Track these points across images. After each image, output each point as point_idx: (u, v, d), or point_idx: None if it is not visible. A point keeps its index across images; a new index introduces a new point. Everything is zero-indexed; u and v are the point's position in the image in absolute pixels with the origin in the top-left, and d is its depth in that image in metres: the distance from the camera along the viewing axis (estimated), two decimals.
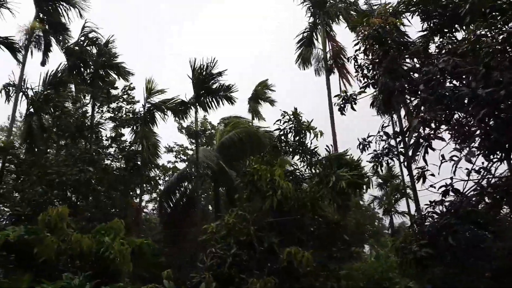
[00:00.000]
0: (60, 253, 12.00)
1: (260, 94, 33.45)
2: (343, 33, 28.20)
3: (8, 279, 11.80)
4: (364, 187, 15.35)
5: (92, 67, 25.14)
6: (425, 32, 12.30)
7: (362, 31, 12.10)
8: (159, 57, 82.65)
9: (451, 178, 9.62)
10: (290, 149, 16.44)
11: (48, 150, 24.09)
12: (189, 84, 24.36)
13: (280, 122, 16.44)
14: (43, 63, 24.99)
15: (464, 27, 11.30)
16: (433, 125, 9.62)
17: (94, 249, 12.34)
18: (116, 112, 25.08)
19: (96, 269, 12.04)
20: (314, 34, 28.56)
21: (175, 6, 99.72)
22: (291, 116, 16.37)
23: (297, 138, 16.29)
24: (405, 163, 12.29)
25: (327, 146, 16.25)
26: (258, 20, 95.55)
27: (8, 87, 22.57)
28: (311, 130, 16.15)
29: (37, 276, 11.36)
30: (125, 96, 25.70)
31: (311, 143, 16.14)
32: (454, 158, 8.64)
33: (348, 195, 15.00)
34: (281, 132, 16.44)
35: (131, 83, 25.76)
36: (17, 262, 12.41)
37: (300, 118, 16.32)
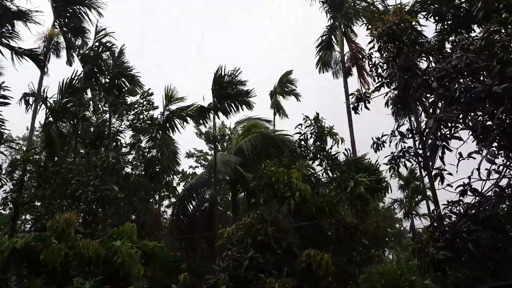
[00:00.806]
0: (69, 259, 12.03)
1: (283, 87, 33.04)
2: (362, 35, 27.97)
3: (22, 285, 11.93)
4: (383, 192, 15.18)
5: (108, 75, 25.44)
6: (440, 32, 12.07)
7: (376, 28, 11.91)
8: (175, 57, 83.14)
9: (469, 178, 9.37)
10: (311, 154, 16.30)
11: (69, 159, 24.27)
12: (204, 84, 24.61)
13: (302, 127, 16.34)
14: (69, 63, 25.30)
15: (478, 26, 11.06)
16: (449, 125, 9.39)
17: (103, 254, 12.37)
18: (135, 120, 25.13)
19: (106, 274, 12.06)
20: (332, 36, 28.43)
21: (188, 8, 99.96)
22: (312, 121, 16.25)
23: (318, 143, 16.15)
24: (422, 164, 12.04)
25: (345, 149, 16.12)
26: (275, 21, 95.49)
27: (28, 96, 22.87)
28: (333, 136, 16.01)
29: (48, 282, 11.44)
30: (144, 102, 25.76)
31: (331, 148, 15.99)
32: (473, 155, 8.40)
33: (367, 200, 14.82)
34: (302, 137, 16.31)
35: (149, 89, 25.95)
36: (27, 268, 12.52)
37: (322, 123, 16.19)
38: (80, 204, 18.84)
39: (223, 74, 24.64)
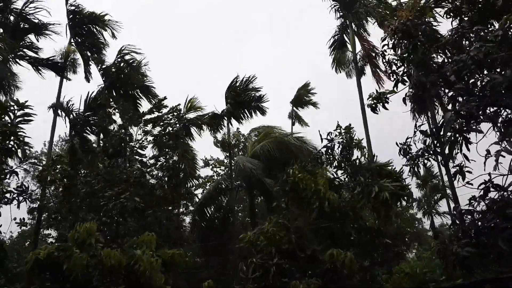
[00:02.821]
0: (91, 269, 12.07)
1: (301, 98, 33.04)
2: (374, 33, 27.75)
3: None
4: (406, 198, 14.98)
5: (128, 89, 25.62)
6: (456, 26, 11.81)
7: (390, 25, 11.73)
8: (187, 64, 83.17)
9: (489, 174, 9.17)
10: (335, 163, 16.17)
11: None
12: (218, 90, 24.77)
13: (332, 134, 16.13)
14: (87, 79, 25.47)
15: (496, 19, 10.81)
16: (468, 117, 9.21)
17: (124, 263, 12.32)
18: (161, 135, 25.02)
19: (128, 283, 12.07)
20: (344, 36, 28.31)
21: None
22: (343, 130, 16.08)
23: (344, 153, 15.95)
24: (442, 161, 11.84)
25: (372, 156, 16.03)
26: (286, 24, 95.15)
27: (55, 109, 23.02)
28: (361, 150, 15.88)
29: None
30: (171, 116, 25.69)
31: (357, 159, 15.79)
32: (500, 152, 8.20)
33: (390, 206, 14.61)
34: (329, 144, 16.10)
35: (179, 104, 25.82)
36: (50, 280, 12.55)
37: (353, 134, 16.04)
38: (101, 215, 18.86)
39: (238, 81, 24.97)
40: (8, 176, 16.29)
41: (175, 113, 25.22)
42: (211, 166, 36.91)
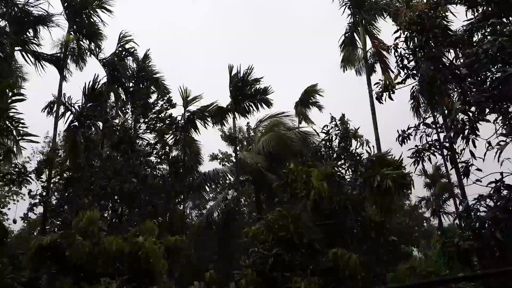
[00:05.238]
0: (93, 256, 12.08)
1: (308, 98, 33.00)
2: (385, 31, 27.52)
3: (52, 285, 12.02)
4: (408, 188, 14.85)
5: (132, 80, 25.64)
6: (471, 20, 11.58)
7: (404, 17, 11.53)
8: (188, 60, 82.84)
9: (501, 174, 9.06)
10: (334, 155, 16.09)
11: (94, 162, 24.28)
12: (224, 89, 24.63)
13: (327, 127, 16.15)
14: (80, 68, 25.46)
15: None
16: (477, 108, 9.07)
17: (127, 250, 12.31)
18: (155, 121, 24.93)
19: (131, 270, 12.06)
20: (355, 34, 28.09)
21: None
22: (338, 122, 16.03)
23: (342, 144, 15.91)
24: (448, 158, 11.66)
25: (372, 146, 15.91)
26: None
27: (53, 104, 23.03)
28: (358, 138, 15.79)
29: (77, 281, 11.50)
30: (162, 102, 25.52)
31: (355, 149, 15.72)
32: (501, 143, 8.10)
33: (392, 196, 14.49)
34: (327, 137, 16.11)
35: (169, 91, 26.07)
36: (55, 267, 12.59)
37: (348, 125, 15.96)
38: (101, 201, 18.93)
39: (239, 74, 24.77)
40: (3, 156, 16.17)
41: (164, 98, 25.21)
42: (218, 160, 36.82)
